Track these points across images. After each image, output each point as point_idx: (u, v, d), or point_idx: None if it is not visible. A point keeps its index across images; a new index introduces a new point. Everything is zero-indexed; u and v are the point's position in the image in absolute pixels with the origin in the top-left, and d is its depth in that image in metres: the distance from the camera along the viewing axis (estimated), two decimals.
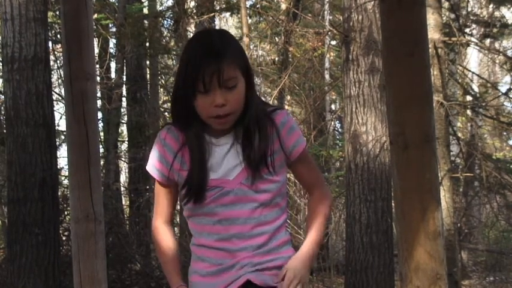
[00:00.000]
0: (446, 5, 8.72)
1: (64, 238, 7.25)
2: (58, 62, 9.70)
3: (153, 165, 1.96)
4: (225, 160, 1.89)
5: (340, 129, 13.20)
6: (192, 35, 10.84)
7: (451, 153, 8.28)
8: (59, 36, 9.12)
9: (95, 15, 8.66)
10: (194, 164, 1.88)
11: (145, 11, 10.46)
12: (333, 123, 11.83)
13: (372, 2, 6.15)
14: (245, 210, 1.87)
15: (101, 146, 9.09)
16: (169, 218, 2.02)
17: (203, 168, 1.87)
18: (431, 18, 6.90)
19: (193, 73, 1.81)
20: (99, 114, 10.03)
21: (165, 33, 11.24)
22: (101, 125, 10.24)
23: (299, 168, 1.99)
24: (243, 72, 1.86)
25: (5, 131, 6.59)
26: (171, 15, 10.79)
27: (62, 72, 8.99)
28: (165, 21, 11.25)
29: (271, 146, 1.89)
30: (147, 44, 10.15)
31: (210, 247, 1.90)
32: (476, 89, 10.52)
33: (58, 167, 6.62)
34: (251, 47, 8.83)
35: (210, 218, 1.89)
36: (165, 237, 2.01)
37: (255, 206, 1.88)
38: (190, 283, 1.96)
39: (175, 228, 9.94)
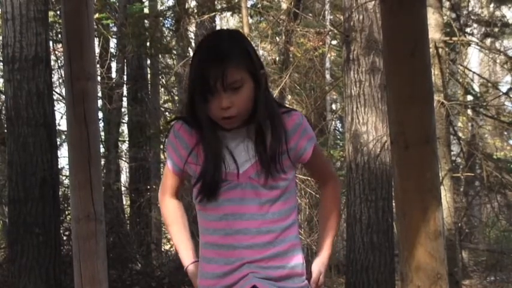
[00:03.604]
0: (447, 4, 8.73)
1: (65, 238, 7.24)
2: (59, 61, 9.72)
3: (168, 156, 2.00)
4: (235, 155, 1.90)
5: (340, 129, 13.20)
6: (192, 34, 10.83)
7: (452, 152, 8.29)
8: (59, 36, 9.12)
9: (96, 15, 8.66)
10: (208, 160, 1.89)
11: (146, 10, 10.46)
12: (333, 123, 11.84)
13: (373, 2, 6.15)
14: (252, 205, 1.87)
15: (101, 146, 9.11)
16: (176, 192, 2.07)
17: (217, 165, 1.89)
18: (432, 18, 6.90)
19: (199, 78, 1.84)
20: (100, 114, 10.04)
21: (166, 33, 11.25)
22: (101, 124, 10.25)
23: (310, 167, 2.06)
24: (250, 73, 1.87)
25: (5, 130, 6.58)
26: (172, 15, 10.80)
27: (62, 72, 8.99)
28: (166, 21, 11.27)
29: (283, 145, 1.90)
30: (148, 44, 10.15)
31: (215, 245, 1.90)
32: (477, 88, 10.52)
33: (59, 166, 6.61)
34: None
35: (216, 213, 1.89)
36: (173, 209, 2.06)
37: (263, 202, 1.88)
38: (199, 287, 1.97)
39: None
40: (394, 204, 5.61)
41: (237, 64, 1.84)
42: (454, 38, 7.55)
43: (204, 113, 1.88)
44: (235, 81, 1.83)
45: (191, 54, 10.16)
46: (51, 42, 7.72)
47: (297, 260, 1.93)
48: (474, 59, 14.83)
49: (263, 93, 1.90)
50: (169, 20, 11.14)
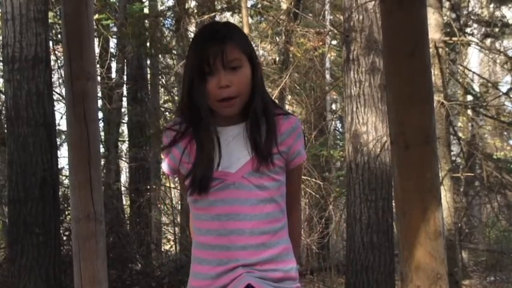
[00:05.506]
0: (447, 4, 8.73)
1: (65, 238, 7.24)
2: (59, 61, 9.72)
3: (164, 160, 1.99)
4: (229, 151, 1.88)
5: (340, 129, 13.21)
6: (192, 34, 10.87)
7: (452, 153, 8.29)
8: (59, 36, 9.12)
9: (96, 15, 8.66)
10: (199, 155, 1.87)
11: (146, 10, 10.46)
12: (333, 123, 11.84)
13: (373, 2, 6.15)
14: (246, 206, 1.85)
15: (101, 146, 9.11)
16: None
17: (208, 158, 1.86)
18: (432, 18, 6.90)
19: (199, 56, 1.85)
20: (100, 114, 10.04)
21: (166, 33, 11.25)
22: (101, 124, 10.25)
23: (292, 177, 1.98)
24: (248, 57, 1.89)
25: (5, 131, 6.58)
26: (172, 15, 10.81)
27: (62, 72, 9.00)
28: (166, 21, 11.27)
29: (278, 144, 1.88)
30: (148, 44, 10.16)
31: (208, 246, 1.88)
32: (477, 88, 10.52)
33: (59, 166, 6.61)
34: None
35: (209, 213, 1.87)
36: None
37: (256, 203, 1.86)
38: (190, 287, 1.94)
39: (176, 228, 9.95)
40: (394, 204, 5.61)
41: (236, 43, 1.86)
42: (454, 38, 7.55)
43: (203, 99, 1.86)
44: (234, 59, 1.84)
45: None
46: (51, 43, 7.72)
47: (292, 263, 1.92)
48: (474, 59, 14.83)
49: (259, 81, 1.91)
50: (169, 20, 11.15)
